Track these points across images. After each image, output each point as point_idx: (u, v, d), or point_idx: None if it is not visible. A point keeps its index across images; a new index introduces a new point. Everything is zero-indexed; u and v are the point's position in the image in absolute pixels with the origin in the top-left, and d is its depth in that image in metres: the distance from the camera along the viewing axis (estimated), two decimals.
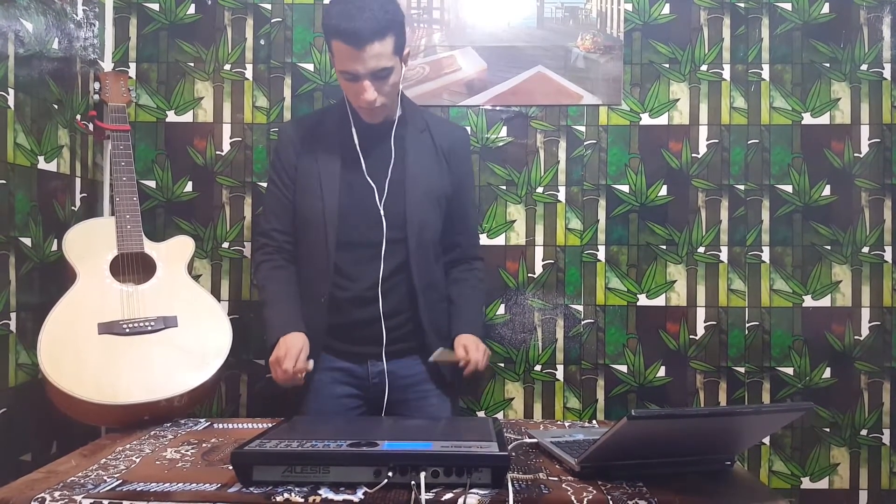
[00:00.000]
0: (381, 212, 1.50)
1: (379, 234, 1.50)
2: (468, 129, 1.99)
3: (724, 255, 2.01)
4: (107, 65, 2.01)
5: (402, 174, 1.52)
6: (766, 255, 2.00)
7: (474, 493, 0.97)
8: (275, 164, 1.59)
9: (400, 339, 1.54)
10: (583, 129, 2.02)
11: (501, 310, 2.02)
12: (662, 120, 2.01)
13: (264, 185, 2.01)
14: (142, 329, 1.52)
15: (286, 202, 1.57)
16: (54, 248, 1.73)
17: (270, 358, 1.45)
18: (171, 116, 2.02)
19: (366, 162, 1.52)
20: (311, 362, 1.45)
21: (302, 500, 0.96)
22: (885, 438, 1.99)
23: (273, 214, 1.59)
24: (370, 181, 1.51)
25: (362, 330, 1.52)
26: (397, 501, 0.96)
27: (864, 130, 1.99)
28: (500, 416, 2.02)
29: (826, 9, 1.99)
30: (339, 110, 1.57)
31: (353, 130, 1.52)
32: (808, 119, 2.00)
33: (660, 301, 2.01)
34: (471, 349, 1.50)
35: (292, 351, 1.42)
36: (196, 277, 1.98)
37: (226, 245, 2.03)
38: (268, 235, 1.59)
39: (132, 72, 2.01)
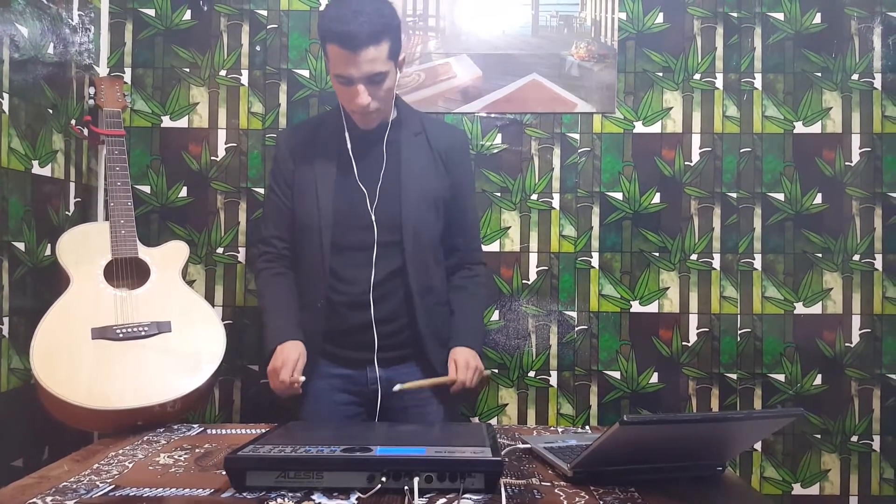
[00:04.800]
0: (372, 217, 1.50)
1: (373, 238, 1.50)
2: None
3: (716, 263, 2.02)
4: (102, 70, 2.01)
5: (396, 178, 1.52)
6: (758, 263, 2.02)
7: (467, 498, 0.97)
8: (273, 171, 1.60)
9: (397, 345, 1.53)
10: (577, 136, 2.03)
11: (496, 316, 2.03)
12: (656, 128, 2.03)
13: (259, 190, 2.02)
14: (135, 334, 1.52)
15: (284, 209, 1.57)
16: (48, 252, 1.73)
17: (268, 367, 1.45)
18: (166, 122, 2.02)
19: (357, 166, 1.52)
20: (303, 378, 1.43)
21: None
22: (875, 445, 2.00)
23: (272, 221, 1.60)
24: (361, 186, 1.51)
25: (359, 335, 1.52)
26: None
27: (856, 139, 2.01)
28: (493, 421, 2.03)
29: (818, 19, 2.02)
30: (335, 116, 1.57)
31: (347, 135, 1.52)
32: (799, 128, 2.02)
33: (653, 308, 2.02)
34: (460, 368, 1.49)
35: (289, 361, 1.42)
36: (190, 283, 1.98)
37: (220, 250, 2.03)
38: (268, 243, 1.60)
39: (127, 77, 2.02)
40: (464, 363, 1.50)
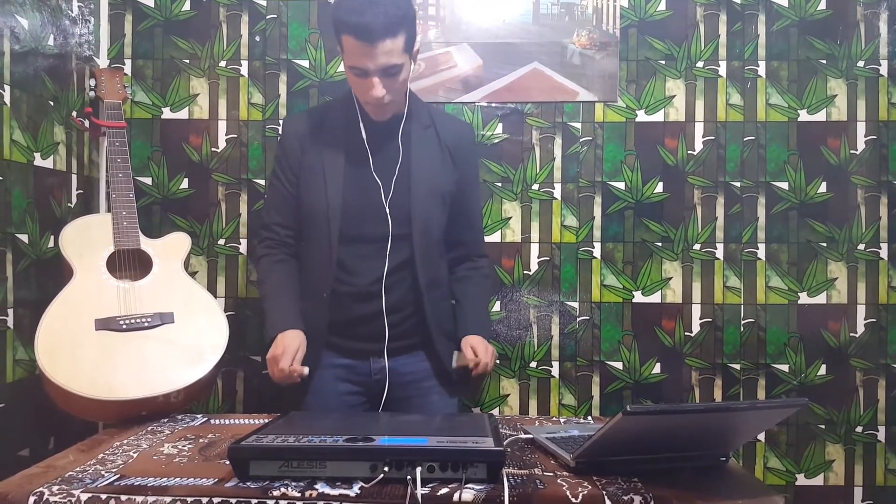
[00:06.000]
0: (387, 209, 1.49)
1: (383, 230, 1.49)
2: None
3: (719, 252, 2.01)
4: (102, 61, 2.00)
5: (408, 171, 1.51)
6: (761, 252, 2.01)
7: (470, 488, 0.98)
8: (278, 158, 1.58)
9: (402, 335, 1.54)
10: (578, 125, 2.02)
11: (497, 307, 2.03)
12: (658, 117, 2.02)
13: (260, 182, 2.01)
14: (138, 325, 1.52)
15: (289, 196, 1.56)
16: (51, 244, 1.73)
17: (267, 355, 1.45)
18: (167, 113, 2.02)
19: (373, 158, 1.51)
20: (307, 369, 1.43)
21: (298, 495, 0.97)
22: (880, 436, 1.99)
23: (275, 208, 1.59)
24: (377, 178, 1.50)
25: (364, 326, 1.52)
26: (393, 496, 0.97)
27: (861, 127, 2.00)
28: (495, 412, 2.03)
29: (823, 5, 2.00)
30: (346, 105, 1.55)
31: (362, 126, 1.51)
32: (804, 116, 2.00)
33: (655, 298, 2.02)
34: (479, 351, 1.50)
35: (289, 350, 1.42)
36: (192, 274, 1.98)
37: (222, 242, 2.03)
38: (270, 229, 1.59)
39: (128, 68, 2.01)
40: (483, 347, 1.51)
